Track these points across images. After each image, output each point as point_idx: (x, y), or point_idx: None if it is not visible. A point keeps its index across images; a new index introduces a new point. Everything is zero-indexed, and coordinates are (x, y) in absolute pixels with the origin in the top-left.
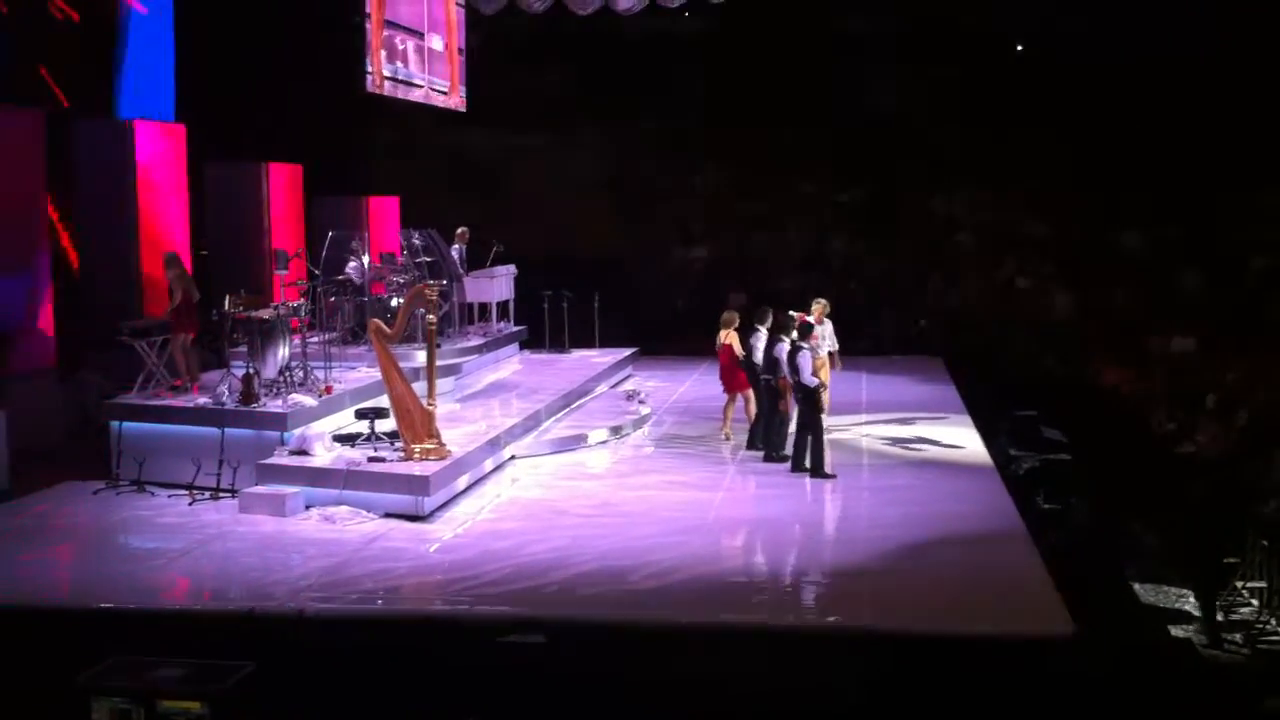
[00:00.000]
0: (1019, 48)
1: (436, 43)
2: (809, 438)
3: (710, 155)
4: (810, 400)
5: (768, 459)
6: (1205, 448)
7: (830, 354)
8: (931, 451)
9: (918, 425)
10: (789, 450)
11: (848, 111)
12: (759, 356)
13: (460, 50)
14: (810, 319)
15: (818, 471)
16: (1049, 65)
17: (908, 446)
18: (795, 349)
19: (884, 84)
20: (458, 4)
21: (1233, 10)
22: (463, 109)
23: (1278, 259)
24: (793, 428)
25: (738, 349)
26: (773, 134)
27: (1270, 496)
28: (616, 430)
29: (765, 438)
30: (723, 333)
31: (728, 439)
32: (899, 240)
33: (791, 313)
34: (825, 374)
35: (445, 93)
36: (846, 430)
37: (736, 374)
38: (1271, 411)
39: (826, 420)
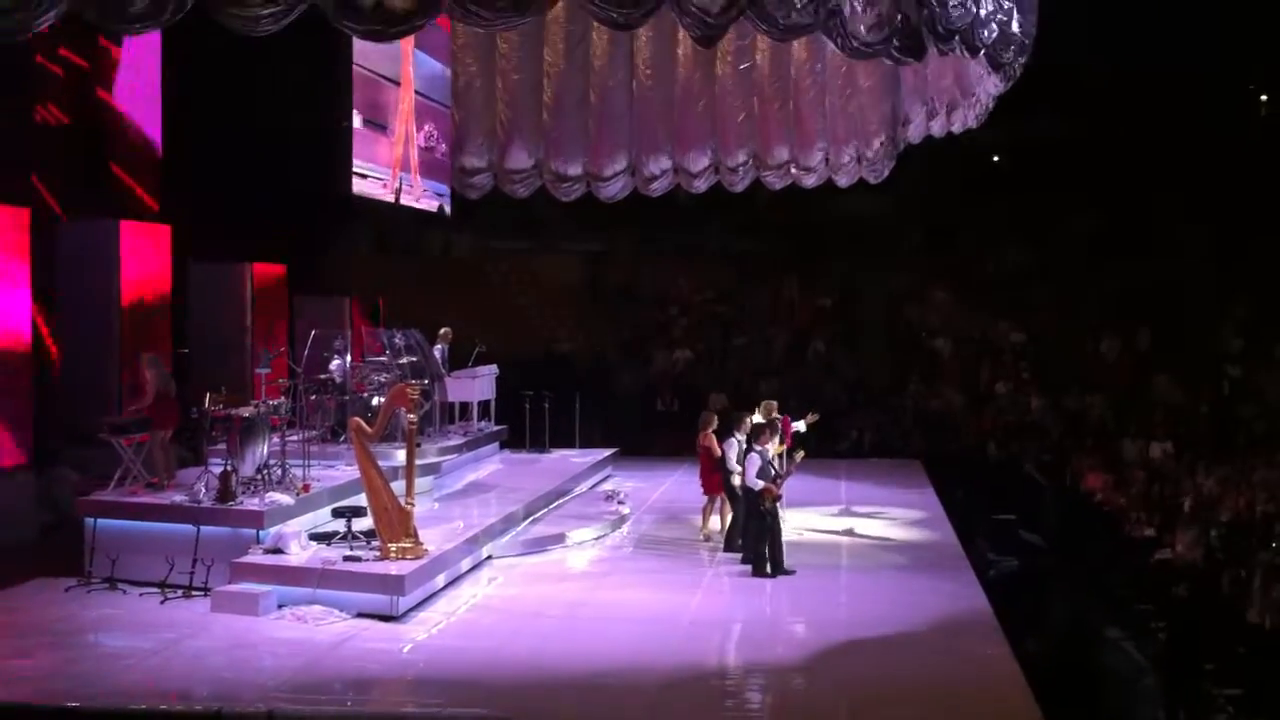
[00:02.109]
0: (995, 159)
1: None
2: (759, 536)
3: (690, 258)
4: (755, 501)
5: (746, 560)
6: (1183, 554)
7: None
8: (909, 554)
9: (896, 527)
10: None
11: (821, 217)
12: (732, 461)
13: (408, 138)
14: (760, 419)
15: (759, 568)
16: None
17: (886, 548)
18: (746, 450)
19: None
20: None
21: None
22: (412, 202)
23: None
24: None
25: (715, 450)
26: (758, 239)
27: (1249, 603)
28: (595, 531)
29: (744, 540)
30: (702, 434)
31: (706, 539)
32: (878, 344)
33: (773, 415)
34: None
35: (380, 179)
36: (825, 531)
37: (714, 475)
38: (1249, 518)
39: (804, 519)
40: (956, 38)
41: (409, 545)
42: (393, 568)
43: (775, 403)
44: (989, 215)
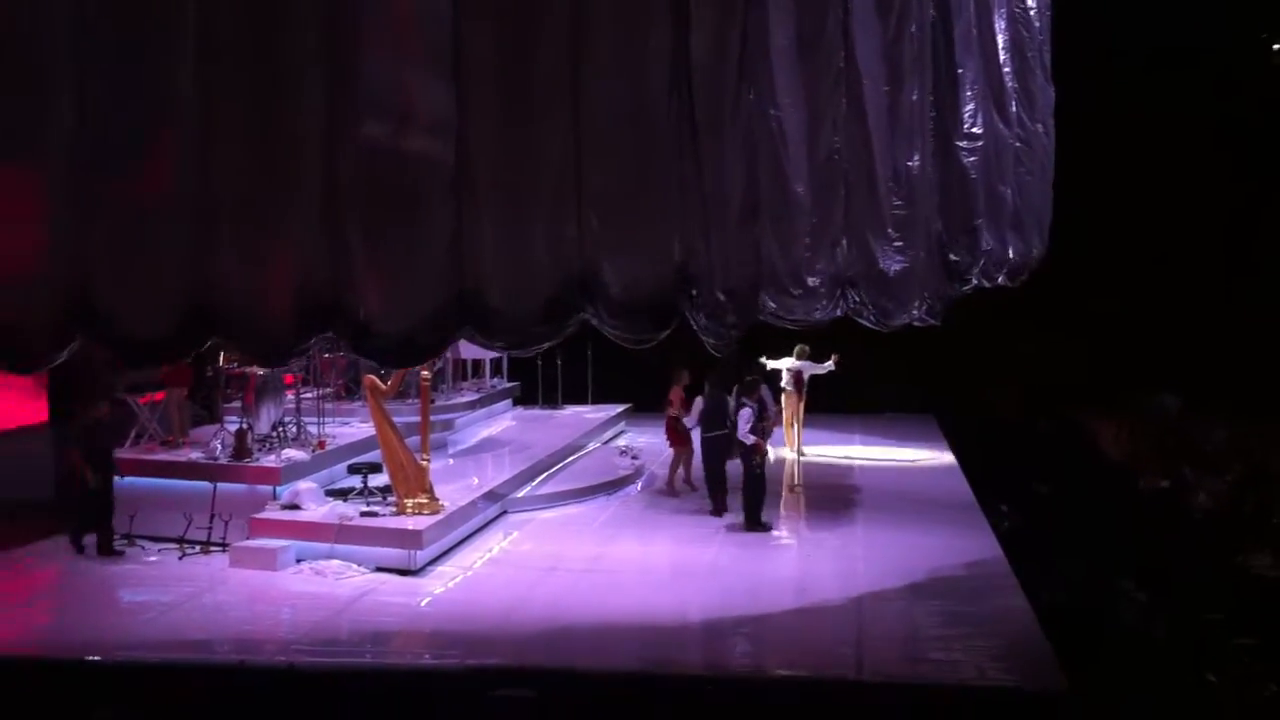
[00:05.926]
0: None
1: None
2: (752, 489)
3: None
4: (748, 455)
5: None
6: (1202, 505)
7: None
8: (924, 507)
9: (910, 481)
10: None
11: None
12: (743, 429)
13: None
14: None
15: (752, 522)
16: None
17: (900, 501)
18: (739, 405)
19: None
20: None
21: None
22: None
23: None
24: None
25: (676, 406)
26: None
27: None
28: (609, 485)
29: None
30: (672, 389)
31: (674, 493)
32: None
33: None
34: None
35: None
36: (840, 485)
37: (673, 431)
38: (1264, 468)
39: (818, 474)
40: (974, 279)
41: (425, 500)
42: (409, 523)
43: (808, 347)
44: None
